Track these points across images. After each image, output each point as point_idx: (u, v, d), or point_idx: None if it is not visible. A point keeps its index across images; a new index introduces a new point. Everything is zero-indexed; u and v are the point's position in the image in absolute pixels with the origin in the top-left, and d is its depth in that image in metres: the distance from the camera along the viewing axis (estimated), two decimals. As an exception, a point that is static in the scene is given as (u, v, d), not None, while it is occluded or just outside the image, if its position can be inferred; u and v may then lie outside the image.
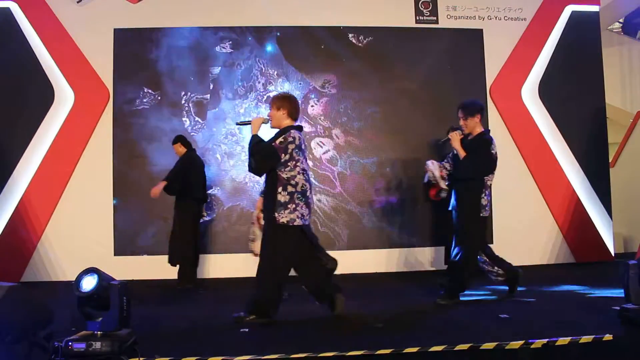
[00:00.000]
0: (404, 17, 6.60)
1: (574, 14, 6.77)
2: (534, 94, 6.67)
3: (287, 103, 3.78)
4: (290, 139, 3.64)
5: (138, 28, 6.34)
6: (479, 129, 4.28)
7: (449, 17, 6.64)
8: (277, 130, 3.78)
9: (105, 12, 6.29)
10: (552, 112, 6.64)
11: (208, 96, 6.39)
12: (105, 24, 6.27)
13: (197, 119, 6.37)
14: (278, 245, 3.67)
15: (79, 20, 6.25)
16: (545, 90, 6.67)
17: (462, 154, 4.24)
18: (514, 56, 6.66)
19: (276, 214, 3.62)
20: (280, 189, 3.63)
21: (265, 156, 3.63)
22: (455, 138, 4.29)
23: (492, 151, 4.19)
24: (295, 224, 3.64)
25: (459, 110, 4.31)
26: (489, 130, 4.36)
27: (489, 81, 6.63)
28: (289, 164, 3.63)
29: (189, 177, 5.54)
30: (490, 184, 4.28)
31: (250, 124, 3.80)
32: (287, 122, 3.76)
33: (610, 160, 7.27)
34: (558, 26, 6.75)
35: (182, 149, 5.67)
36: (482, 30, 6.67)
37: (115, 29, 6.30)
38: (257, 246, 3.93)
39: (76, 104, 6.20)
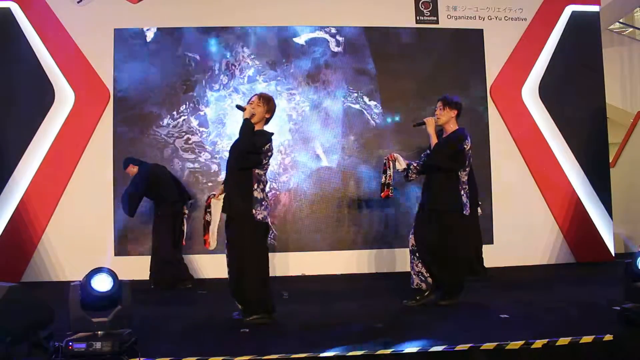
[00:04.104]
0: (404, 17, 6.60)
1: (574, 14, 6.77)
2: (534, 94, 6.67)
3: (272, 109, 3.84)
4: (272, 147, 3.76)
5: (138, 28, 6.35)
6: (453, 125, 4.25)
7: (449, 17, 6.64)
8: (256, 127, 3.75)
9: (105, 12, 6.28)
10: (552, 112, 6.64)
11: (211, 98, 6.40)
12: (105, 24, 6.27)
13: (201, 129, 6.39)
14: (259, 242, 3.69)
15: (79, 20, 6.25)
16: (546, 90, 6.67)
17: (434, 140, 4.22)
18: (514, 56, 6.66)
19: (254, 211, 3.62)
20: (255, 186, 3.66)
21: (253, 160, 3.66)
22: (430, 123, 4.26)
23: (465, 146, 4.14)
24: (266, 220, 3.71)
25: (439, 101, 4.29)
26: (464, 129, 4.32)
27: (489, 81, 6.63)
28: (265, 165, 3.75)
29: (153, 189, 5.58)
30: (465, 181, 4.22)
31: (244, 110, 3.80)
32: (261, 124, 3.80)
33: (610, 160, 7.27)
34: (558, 26, 6.75)
35: (135, 169, 5.65)
36: (482, 30, 6.67)
37: (115, 29, 6.31)
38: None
39: (76, 104, 6.20)
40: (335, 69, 6.56)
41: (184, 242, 5.74)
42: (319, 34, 6.57)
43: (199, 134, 6.38)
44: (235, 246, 3.66)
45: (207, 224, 3.79)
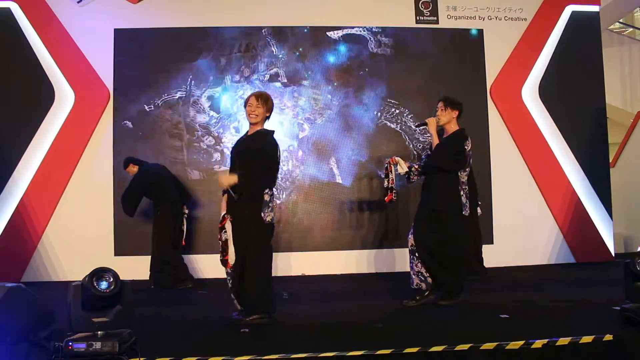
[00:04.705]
0: (404, 17, 6.60)
1: (574, 14, 6.78)
2: (534, 94, 6.67)
3: (271, 108, 3.83)
4: (279, 148, 3.75)
5: (138, 28, 6.35)
6: (454, 126, 4.25)
7: (449, 17, 6.65)
8: (257, 128, 3.77)
9: (105, 12, 6.29)
10: (552, 112, 6.65)
11: (213, 95, 6.40)
12: (105, 24, 6.28)
13: (211, 113, 6.36)
14: (265, 244, 3.70)
15: (79, 20, 6.26)
16: (546, 91, 6.67)
17: (435, 140, 4.23)
18: (514, 56, 6.66)
19: (263, 214, 3.63)
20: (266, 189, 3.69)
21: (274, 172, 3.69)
22: (432, 123, 4.26)
23: (466, 146, 4.15)
24: (273, 222, 3.72)
25: (440, 101, 4.28)
26: (465, 129, 4.32)
27: (489, 81, 6.63)
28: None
29: (153, 189, 5.58)
30: (465, 182, 4.21)
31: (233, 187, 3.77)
32: (262, 123, 3.81)
33: (610, 160, 7.28)
34: (558, 26, 6.76)
35: (135, 169, 5.67)
36: (482, 30, 6.67)
37: (115, 29, 6.31)
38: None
39: (76, 104, 6.20)
40: (372, 74, 6.47)
41: (184, 242, 5.74)
42: (358, 31, 6.45)
43: (207, 116, 6.33)
44: (240, 246, 3.64)
45: (224, 244, 3.64)
